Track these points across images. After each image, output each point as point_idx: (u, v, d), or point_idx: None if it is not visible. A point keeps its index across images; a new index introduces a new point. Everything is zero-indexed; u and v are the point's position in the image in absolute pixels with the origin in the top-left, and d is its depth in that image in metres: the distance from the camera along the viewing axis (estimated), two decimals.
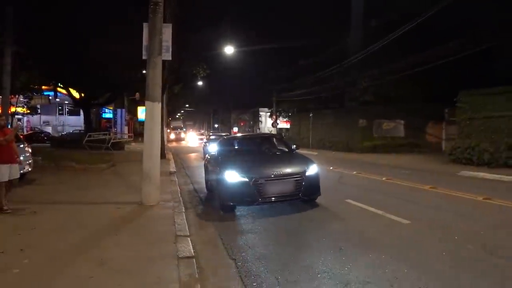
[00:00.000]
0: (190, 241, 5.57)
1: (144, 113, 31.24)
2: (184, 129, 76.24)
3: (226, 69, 42.01)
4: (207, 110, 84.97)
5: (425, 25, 18.32)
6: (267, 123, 62.77)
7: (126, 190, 10.04)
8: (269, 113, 52.38)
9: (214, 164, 8.87)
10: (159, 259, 4.79)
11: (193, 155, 27.92)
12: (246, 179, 7.18)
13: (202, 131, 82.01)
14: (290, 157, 8.66)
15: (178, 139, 55.92)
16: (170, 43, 8.51)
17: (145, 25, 8.34)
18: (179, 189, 10.67)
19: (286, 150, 9.54)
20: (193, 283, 4.12)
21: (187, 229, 6.29)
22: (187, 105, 73.93)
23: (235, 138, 12.13)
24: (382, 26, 22.89)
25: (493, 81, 16.76)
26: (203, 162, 19.87)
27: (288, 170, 7.56)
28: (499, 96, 15.93)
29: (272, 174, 7.37)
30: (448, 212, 7.54)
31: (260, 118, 64.54)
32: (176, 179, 12.56)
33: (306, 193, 7.47)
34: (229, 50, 29.17)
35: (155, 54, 8.11)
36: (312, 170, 7.70)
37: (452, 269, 4.49)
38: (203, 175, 14.49)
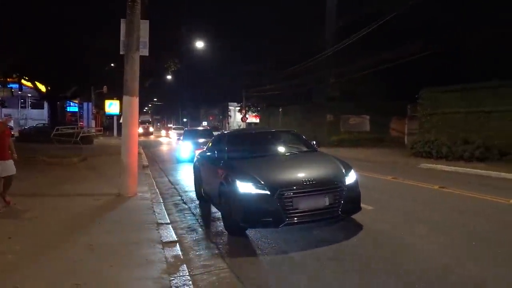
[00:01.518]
0: (171, 228, 5.95)
1: (111, 107, 30.70)
2: (152, 124, 75.43)
3: (195, 64, 42.00)
4: (176, 104, 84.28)
5: (392, 24, 19.20)
6: (236, 117, 63.21)
7: (102, 182, 10.25)
8: (238, 108, 52.82)
9: (214, 169, 6.86)
10: (144, 244, 5.15)
11: (163, 148, 28.02)
12: (267, 192, 5.27)
13: (171, 125, 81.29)
14: (318, 159, 6.67)
15: (147, 133, 55.36)
16: (147, 39, 8.77)
17: (122, 21, 8.58)
18: (154, 182, 10.98)
19: (306, 149, 7.39)
20: (179, 263, 4.52)
21: (167, 217, 6.66)
22: (155, 99, 73.18)
23: (237, 134, 9.23)
24: (352, 25, 23.64)
25: (453, 80, 17.84)
26: (175, 156, 20.21)
27: (322, 177, 5.67)
28: (455, 93, 17.07)
29: (303, 183, 5.40)
30: (407, 199, 8.28)
31: (229, 113, 64.83)
32: (150, 172, 12.79)
33: (346, 209, 5.60)
34: (199, 44, 29.42)
35: (133, 50, 8.38)
36: (352, 176, 5.91)
37: (406, 243, 5.11)
38: (177, 168, 14.87)
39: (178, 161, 17.55)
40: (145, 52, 8.76)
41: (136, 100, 8.54)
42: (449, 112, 17.21)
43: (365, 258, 4.70)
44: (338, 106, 28.64)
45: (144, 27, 8.69)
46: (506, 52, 17.81)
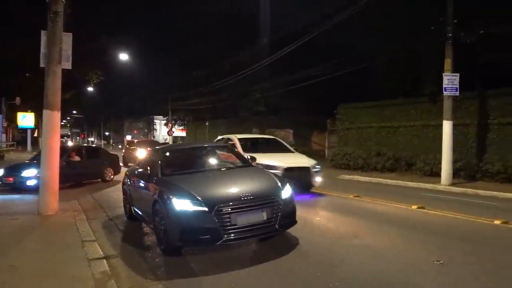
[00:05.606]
0: (97, 245, 5.87)
1: (25, 120, 28.76)
2: (70, 138, 71.44)
3: (119, 76, 40.76)
4: (97, 117, 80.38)
5: (314, 44, 20.42)
6: (162, 131, 62.07)
7: (19, 200, 9.67)
8: (164, 121, 52.01)
9: (147, 186, 6.52)
10: (70, 262, 5.05)
11: None
12: (205, 208, 5.15)
13: (91, 139, 77.55)
14: (254, 174, 6.55)
15: None
16: (70, 52, 8.55)
17: (43, 32, 8.32)
18: (75, 198, 10.54)
19: (241, 163, 7.21)
20: (107, 279, 4.52)
21: (92, 235, 6.53)
22: (74, 112, 69.26)
23: (171, 149, 8.54)
24: (280, 42, 24.54)
25: (368, 96, 19.39)
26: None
27: (260, 191, 5.65)
28: (368, 109, 18.66)
29: (240, 198, 5.35)
30: (326, 209, 8.99)
31: (155, 126, 63.50)
32: (70, 189, 12.27)
33: (283, 223, 5.59)
34: (123, 57, 28.67)
35: (54, 62, 8.14)
36: (287, 191, 5.89)
37: (328, 248, 5.60)
38: (100, 183, 14.32)
39: None
40: (67, 65, 8.53)
41: (57, 115, 8.28)
42: (364, 127, 18.72)
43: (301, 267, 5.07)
44: (263, 120, 29.64)
45: (67, 39, 8.48)
46: (411, 72, 19.83)
